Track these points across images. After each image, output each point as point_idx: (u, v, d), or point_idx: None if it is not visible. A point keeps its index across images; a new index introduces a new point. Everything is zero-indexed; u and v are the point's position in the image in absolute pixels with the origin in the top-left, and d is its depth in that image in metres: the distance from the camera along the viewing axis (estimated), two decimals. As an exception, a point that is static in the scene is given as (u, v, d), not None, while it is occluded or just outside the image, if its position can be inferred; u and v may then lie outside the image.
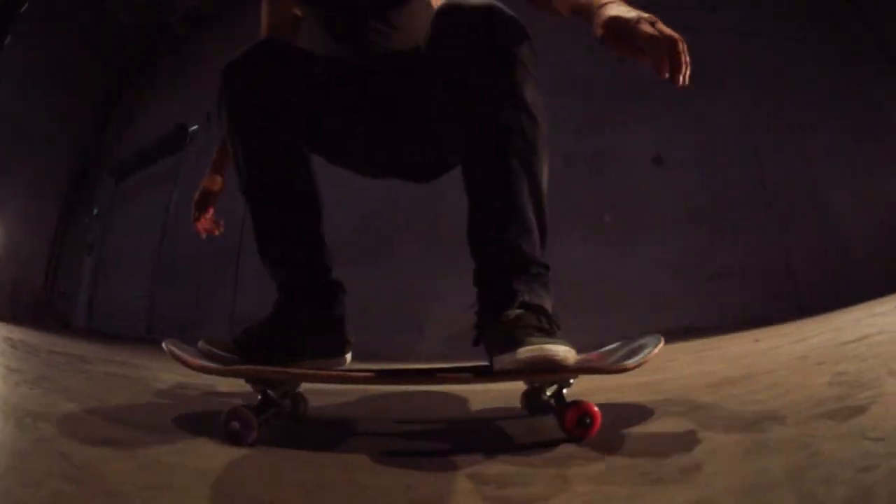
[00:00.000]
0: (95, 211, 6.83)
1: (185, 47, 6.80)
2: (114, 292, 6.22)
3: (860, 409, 1.01)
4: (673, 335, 3.18)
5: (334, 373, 1.35)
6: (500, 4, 1.12)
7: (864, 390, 1.15)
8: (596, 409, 1.08)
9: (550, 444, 1.06)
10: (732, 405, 1.26)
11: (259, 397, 1.22)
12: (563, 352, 0.99)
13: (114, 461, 0.97)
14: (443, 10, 1.16)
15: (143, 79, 7.17)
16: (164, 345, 1.29)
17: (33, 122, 6.40)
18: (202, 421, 1.39)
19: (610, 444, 1.05)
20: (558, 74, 3.80)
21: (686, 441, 1.00)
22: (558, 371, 1.04)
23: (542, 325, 1.05)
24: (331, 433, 1.41)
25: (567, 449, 1.04)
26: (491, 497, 0.83)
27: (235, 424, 1.10)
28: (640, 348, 1.21)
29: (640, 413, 1.30)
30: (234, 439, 1.10)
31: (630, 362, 1.11)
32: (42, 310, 6.62)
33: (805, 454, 0.83)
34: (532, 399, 1.39)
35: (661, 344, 1.18)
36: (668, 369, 1.89)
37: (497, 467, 0.97)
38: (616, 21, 1.00)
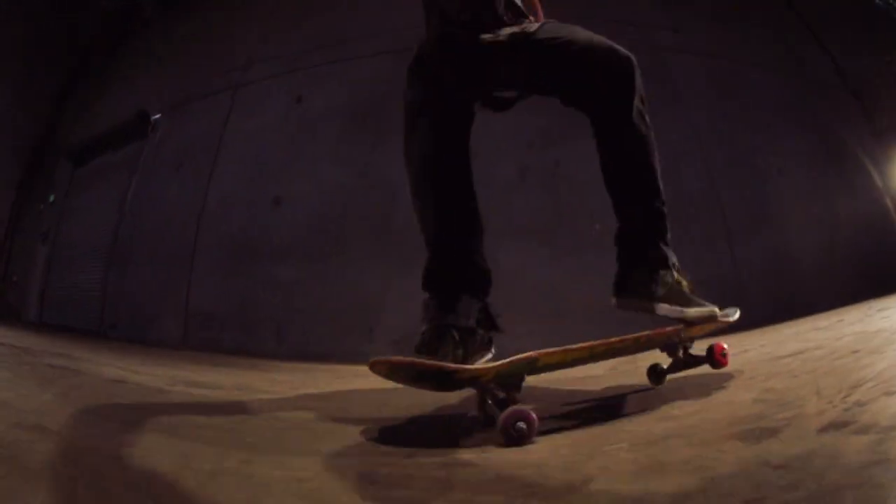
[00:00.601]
0: (52, 198, 6.55)
1: (152, 32, 6.61)
2: (67, 283, 6.00)
3: (773, 432, 0.98)
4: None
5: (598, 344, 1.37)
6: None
7: (784, 410, 1.12)
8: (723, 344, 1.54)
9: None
10: (648, 420, 1.22)
11: (488, 401, 1.20)
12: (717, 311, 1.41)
13: (38, 443, 1.03)
14: (597, 49, 1.47)
15: (107, 61, 6.95)
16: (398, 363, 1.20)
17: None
18: (131, 412, 1.45)
19: (509, 453, 1.04)
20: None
21: (585, 455, 0.98)
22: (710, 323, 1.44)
23: (692, 288, 1.48)
24: (250, 424, 1.43)
25: (466, 455, 1.05)
26: (371, 496, 0.86)
27: (522, 426, 1.09)
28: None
29: (551, 422, 1.27)
30: (519, 440, 1.08)
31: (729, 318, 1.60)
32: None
33: (697, 478, 0.79)
34: (658, 370, 1.67)
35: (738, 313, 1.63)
36: (599, 379, 1.86)
37: (390, 468, 0.99)
38: None
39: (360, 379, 2.66)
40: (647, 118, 1.53)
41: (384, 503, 0.84)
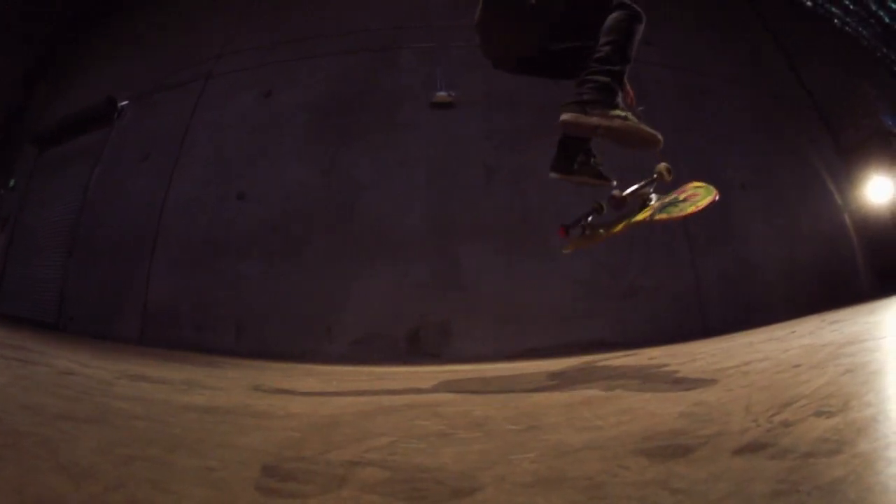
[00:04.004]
0: (12, 183, 6.33)
1: (124, 19, 6.45)
2: (26, 273, 5.81)
3: (687, 450, 0.94)
4: (582, 348, 3.15)
5: None
6: None
7: (708, 426, 1.08)
8: None
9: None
10: (569, 429, 1.17)
11: None
12: None
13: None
14: None
15: (79, 47, 6.76)
16: None
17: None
18: (73, 401, 1.46)
19: (417, 456, 1.02)
20: (488, 89, 3.82)
21: (490, 462, 0.95)
22: None
23: None
24: (183, 417, 1.43)
25: (375, 455, 1.03)
26: (264, 488, 0.89)
27: None
28: None
29: (472, 426, 1.24)
30: None
31: None
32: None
33: (587, 497, 0.75)
34: None
35: None
36: (537, 384, 1.82)
37: (298, 463, 1.00)
38: None
39: (310, 378, 2.61)
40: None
41: (271, 494, 0.86)
